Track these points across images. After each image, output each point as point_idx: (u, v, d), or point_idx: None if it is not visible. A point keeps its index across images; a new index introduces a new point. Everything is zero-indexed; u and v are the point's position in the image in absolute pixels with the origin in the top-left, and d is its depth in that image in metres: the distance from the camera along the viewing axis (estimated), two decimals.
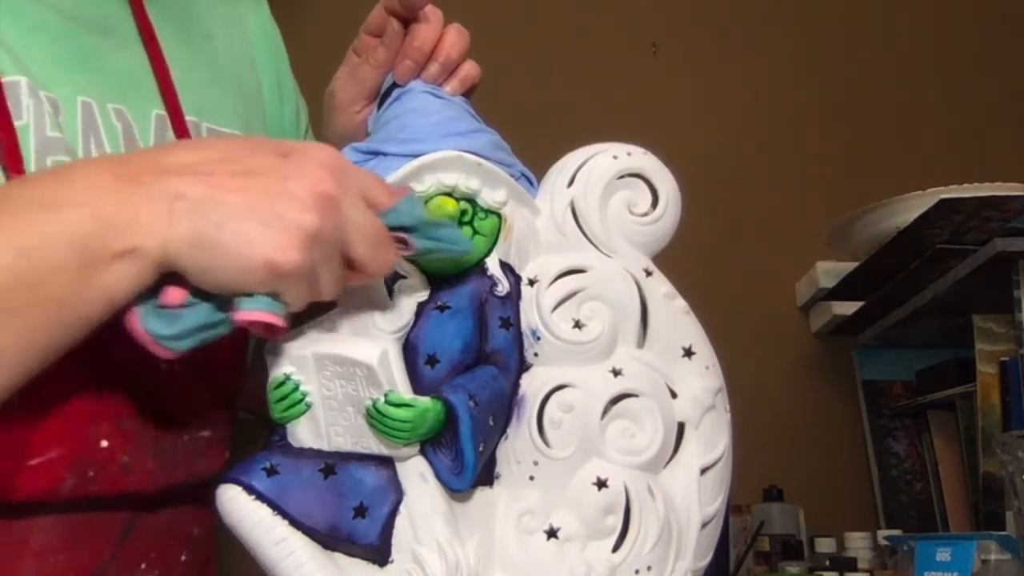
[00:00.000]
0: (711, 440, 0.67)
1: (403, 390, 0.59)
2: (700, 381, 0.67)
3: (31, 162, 0.62)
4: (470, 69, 0.73)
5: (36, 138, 0.63)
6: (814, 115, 1.72)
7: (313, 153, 0.55)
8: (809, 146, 1.70)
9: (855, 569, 1.24)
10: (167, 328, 0.53)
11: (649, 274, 0.68)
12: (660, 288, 0.68)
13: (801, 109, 1.72)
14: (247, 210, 0.52)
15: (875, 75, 1.74)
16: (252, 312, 0.54)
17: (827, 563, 1.25)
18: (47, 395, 0.58)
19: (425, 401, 0.59)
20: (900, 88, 1.74)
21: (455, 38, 0.72)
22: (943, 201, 1.16)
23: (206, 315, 0.54)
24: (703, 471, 0.66)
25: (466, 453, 0.59)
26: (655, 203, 0.70)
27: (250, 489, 0.58)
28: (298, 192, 0.53)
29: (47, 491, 0.58)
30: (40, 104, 0.64)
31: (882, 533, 1.32)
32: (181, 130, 0.71)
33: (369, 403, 0.58)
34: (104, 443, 0.60)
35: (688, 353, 0.67)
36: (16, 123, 0.62)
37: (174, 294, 0.53)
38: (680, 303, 0.68)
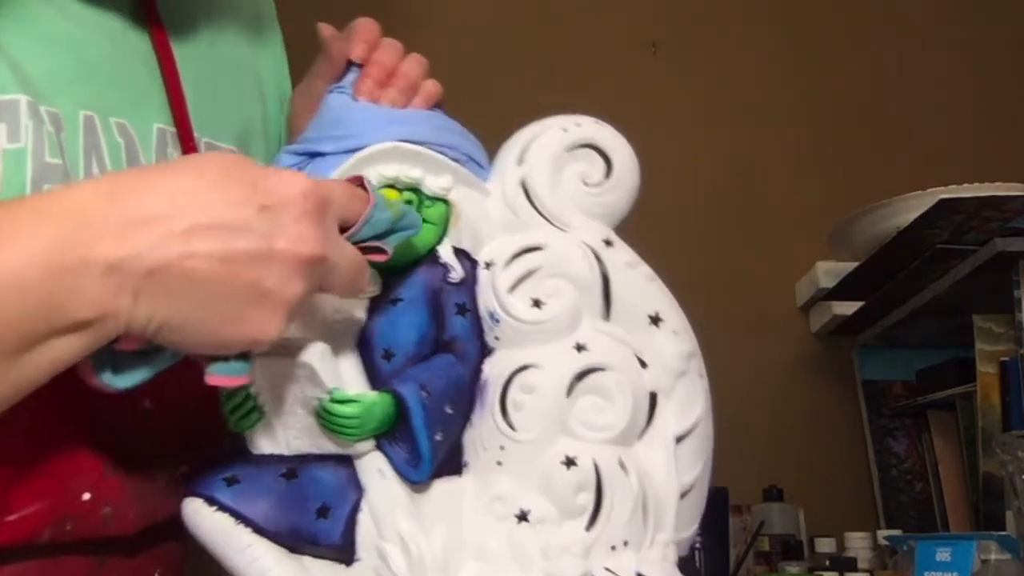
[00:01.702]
0: (685, 407, 0.65)
1: (352, 386, 0.58)
2: (670, 347, 0.65)
3: (27, 188, 0.60)
4: (432, 88, 0.71)
5: (34, 163, 0.60)
6: (814, 115, 1.71)
7: (292, 199, 0.50)
8: (809, 146, 1.70)
9: (855, 569, 1.24)
10: (123, 380, 0.51)
11: (609, 244, 0.66)
12: (621, 257, 0.66)
13: (801, 109, 1.71)
14: (231, 288, 0.49)
15: (875, 75, 1.74)
16: (223, 378, 0.53)
17: (827, 563, 1.25)
18: (30, 447, 0.57)
19: (371, 395, 0.58)
20: (900, 88, 1.74)
21: (413, 62, 0.71)
22: (943, 201, 1.15)
23: (164, 362, 0.53)
24: (679, 439, 0.64)
25: (421, 444, 0.58)
26: (610, 172, 0.68)
27: (211, 500, 0.58)
28: (282, 258, 0.49)
29: (21, 542, 0.57)
30: (40, 125, 0.61)
31: (882, 533, 1.32)
32: (188, 146, 0.70)
33: (316, 402, 0.58)
34: (87, 496, 0.58)
35: (655, 320, 0.65)
36: (13, 146, 0.60)
37: (131, 341, 0.50)
38: (643, 270, 0.67)
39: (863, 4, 1.77)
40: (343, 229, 0.55)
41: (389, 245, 0.58)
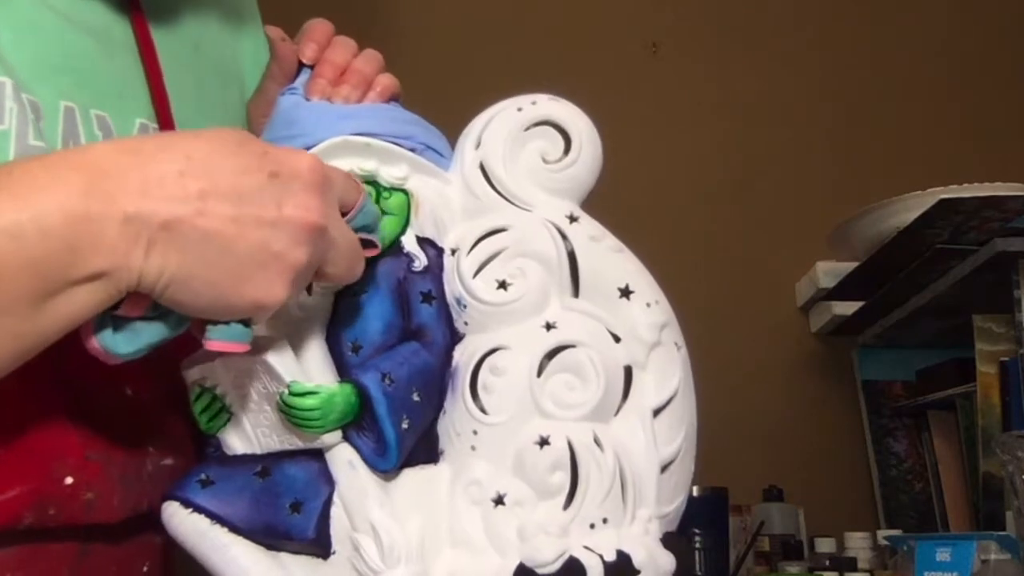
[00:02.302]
0: (661, 379, 0.64)
1: (320, 380, 0.58)
2: (643, 319, 0.64)
3: None
4: (387, 81, 0.70)
5: (17, 145, 0.60)
6: (814, 115, 1.72)
7: (300, 171, 0.53)
8: (809, 146, 1.70)
9: (855, 569, 1.24)
10: (125, 346, 0.52)
11: (574, 220, 0.65)
12: (586, 232, 0.65)
13: (801, 109, 1.72)
14: (240, 247, 0.50)
15: (875, 75, 1.74)
16: (225, 343, 0.53)
17: (827, 563, 1.25)
18: (12, 430, 0.57)
19: (331, 387, 0.58)
20: (900, 88, 1.74)
21: (366, 58, 0.71)
22: (943, 201, 1.16)
23: (166, 330, 0.53)
24: (656, 412, 0.63)
25: (385, 432, 0.58)
26: (569, 147, 0.67)
27: (187, 502, 0.58)
28: (290, 223, 0.51)
29: (3, 526, 0.57)
30: (24, 109, 0.61)
31: (882, 533, 1.32)
32: None
33: (278, 397, 0.58)
34: (69, 480, 0.58)
35: (625, 293, 0.64)
36: None
37: (134, 306, 0.51)
38: (609, 242, 0.66)
39: (863, 4, 1.77)
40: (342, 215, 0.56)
41: (378, 239, 0.59)
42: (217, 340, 0.53)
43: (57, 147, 0.63)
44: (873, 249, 1.34)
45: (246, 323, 0.53)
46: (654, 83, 1.70)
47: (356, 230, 0.57)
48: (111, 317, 0.51)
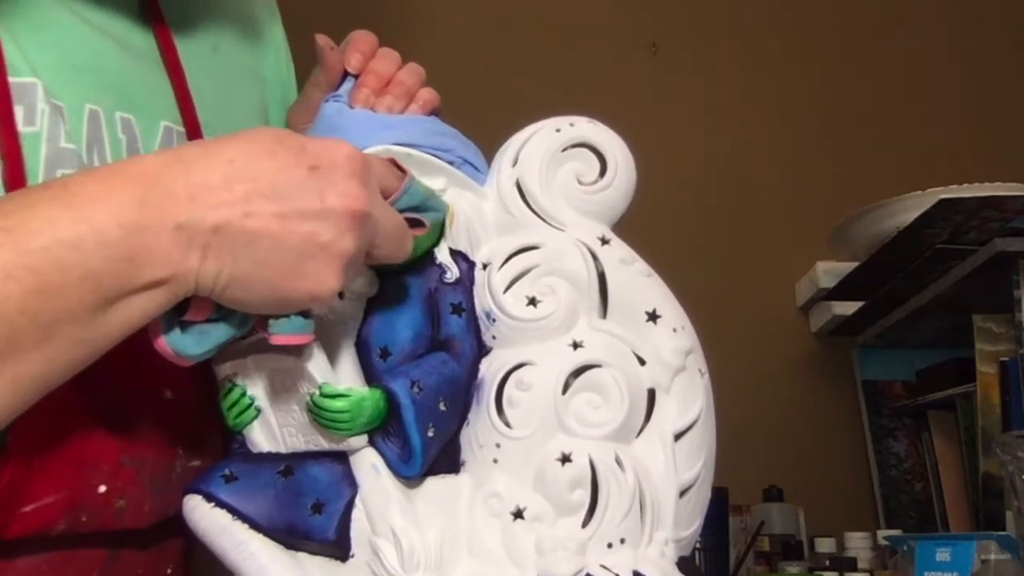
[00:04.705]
0: (684, 404, 0.65)
1: (344, 381, 0.59)
2: (668, 343, 0.65)
3: (39, 173, 0.61)
4: (429, 95, 0.72)
5: (48, 147, 0.61)
6: (814, 115, 1.72)
7: (339, 161, 0.54)
8: (809, 146, 1.70)
9: (855, 569, 1.24)
10: (196, 347, 0.54)
11: (606, 242, 0.66)
12: (617, 254, 0.66)
13: (801, 109, 1.72)
14: (289, 242, 0.51)
15: (875, 75, 1.74)
16: (289, 336, 0.54)
17: (827, 563, 1.25)
18: (49, 437, 0.57)
19: (362, 390, 0.59)
20: (901, 88, 1.74)
21: (409, 71, 0.72)
22: (943, 201, 1.16)
23: (232, 329, 0.55)
24: (677, 436, 0.64)
25: (412, 438, 0.59)
26: (604, 171, 0.68)
27: (210, 497, 0.59)
28: (334, 213, 0.52)
29: (36, 532, 0.57)
30: (55, 111, 0.62)
31: (882, 533, 1.32)
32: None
33: (308, 398, 0.58)
34: (102, 488, 0.59)
35: (653, 317, 0.65)
36: (28, 129, 0.61)
37: (200, 311, 0.53)
38: (640, 266, 0.66)
39: (863, 4, 1.77)
40: (383, 198, 0.57)
41: (427, 219, 0.60)
42: (280, 334, 0.54)
43: (82, 152, 0.64)
44: (873, 249, 1.34)
45: (305, 315, 0.55)
46: (654, 83, 1.70)
47: (402, 211, 0.58)
48: (179, 322, 0.53)
